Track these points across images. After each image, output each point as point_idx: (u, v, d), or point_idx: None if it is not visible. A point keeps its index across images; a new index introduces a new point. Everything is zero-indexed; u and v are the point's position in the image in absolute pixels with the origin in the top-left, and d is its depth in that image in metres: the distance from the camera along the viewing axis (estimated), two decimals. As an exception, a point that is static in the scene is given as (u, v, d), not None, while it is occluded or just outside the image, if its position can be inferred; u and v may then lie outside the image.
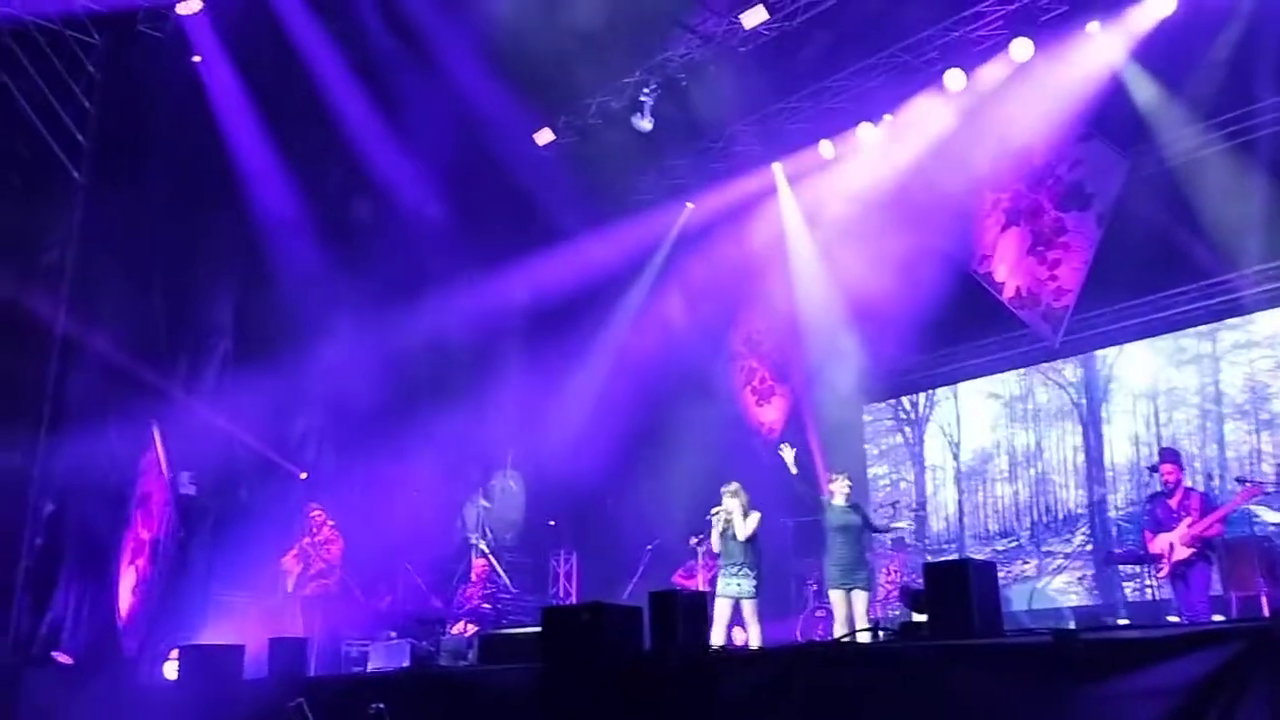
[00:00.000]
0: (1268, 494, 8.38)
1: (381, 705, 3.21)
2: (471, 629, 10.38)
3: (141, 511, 10.59)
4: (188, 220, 11.24)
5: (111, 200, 10.80)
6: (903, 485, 12.78)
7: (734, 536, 8.42)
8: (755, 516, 8.41)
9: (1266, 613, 7.46)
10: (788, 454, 8.61)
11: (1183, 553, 7.64)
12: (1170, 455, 8.16)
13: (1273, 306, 9.97)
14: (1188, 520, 7.66)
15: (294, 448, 12.12)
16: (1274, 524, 8.03)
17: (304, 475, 11.82)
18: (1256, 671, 3.31)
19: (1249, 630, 3.52)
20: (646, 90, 11.63)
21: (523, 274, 12.51)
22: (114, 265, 10.87)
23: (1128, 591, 10.06)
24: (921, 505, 12.57)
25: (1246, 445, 9.98)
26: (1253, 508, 8.40)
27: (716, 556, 8.65)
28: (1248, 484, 8.01)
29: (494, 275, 12.55)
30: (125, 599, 10.37)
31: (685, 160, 12.97)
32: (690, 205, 13.26)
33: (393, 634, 10.06)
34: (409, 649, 8.13)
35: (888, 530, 8.71)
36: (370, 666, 8.46)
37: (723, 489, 8.64)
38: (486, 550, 12.84)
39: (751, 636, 8.30)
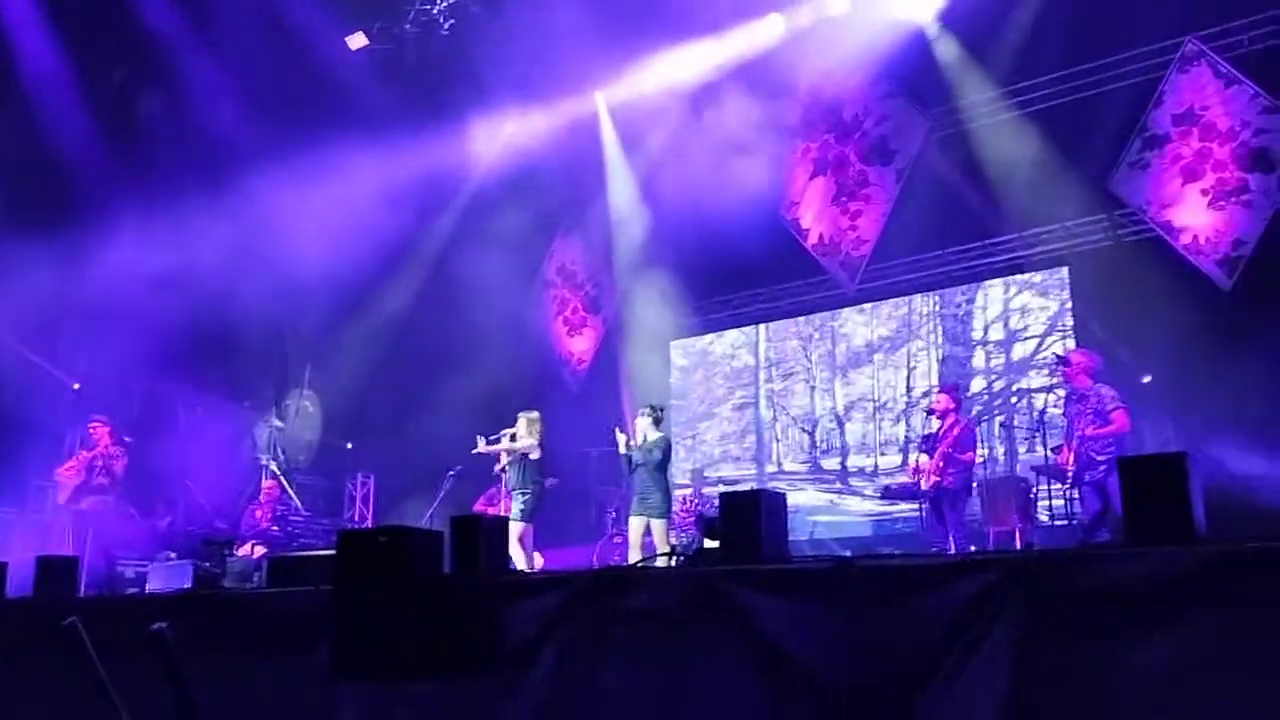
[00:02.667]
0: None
1: (164, 624, 3.05)
2: (260, 551, 10.05)
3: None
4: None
5: None
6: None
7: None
8: (517, 439, 8.82)
9: (1019, 546, 8.19)
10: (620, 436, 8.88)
11: (930, 479, 8.12)
12: (947, 386, 8.78)
13: (1047, 267, 10.80)
14: (940, 449, 8.17)
15: (66, 356, 11.24)
16: (1033, 465, 8.78)
17: (76, 386, 11.01)
18: (1010, 597, 3.64)
19: (1004, 560, 3.86)
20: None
21: (331, 181, 11.85)
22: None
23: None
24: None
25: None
26: (1018, 448, 9.15)
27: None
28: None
29: (300, 182, 11.88)
30: None
31: (505, 78, 12.60)
32: (510, 128, 12.95)
33: (172, 554, 9.62)
34: (191, 570, 7.77)
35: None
36: (149, 588, 8.05)
37: (521, 413, 8.93)
38: (277, 471, 12.41)
39: (517, 559, 8.46)
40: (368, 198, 11.58)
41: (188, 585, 7.49)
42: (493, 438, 9.01)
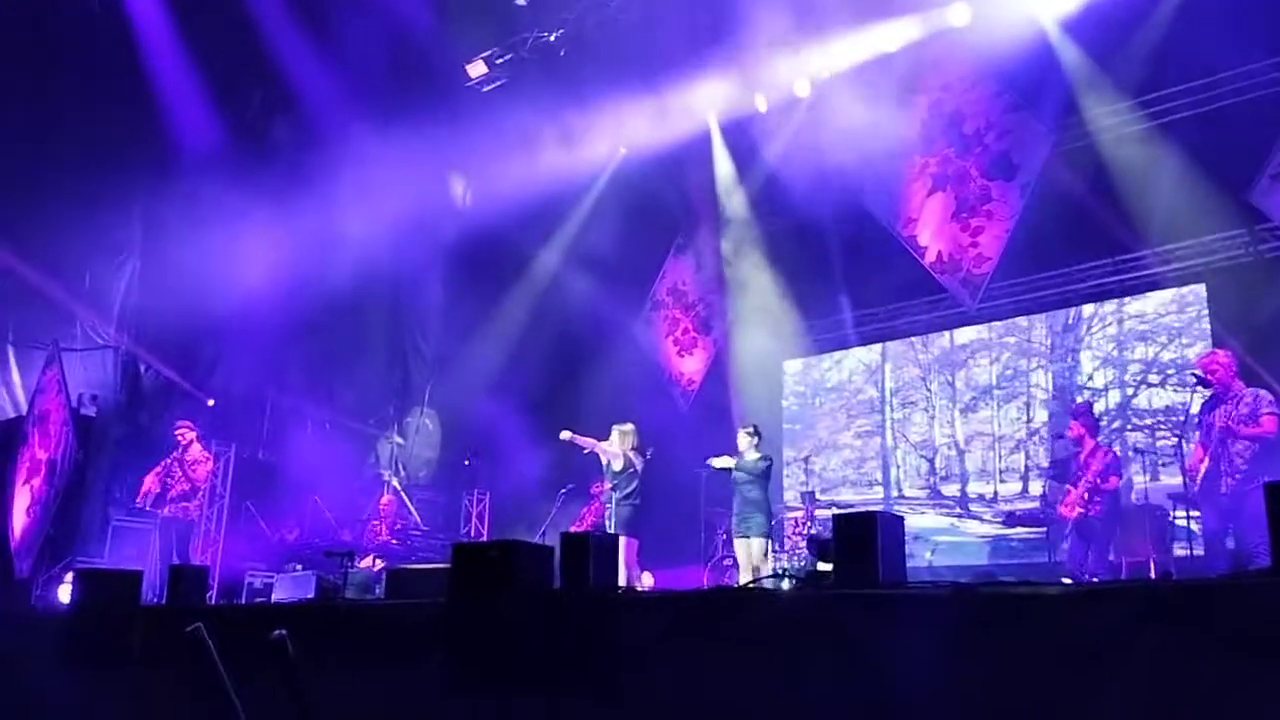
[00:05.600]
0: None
1: (284, 631, 3.13)
2: (380, 564, 10.31)
3: (38, 430, 10.21)
4: (97, 133, 10.72)
5: (16, 108, 10.27)
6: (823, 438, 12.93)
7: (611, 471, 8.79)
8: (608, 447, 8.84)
9: (1154, 576, 7.77)
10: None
11: (1075, 510, 7.91)
12: (1077, 411, 8.46)
13: (1183, 284, 10.26)
14: (1084, 478, 7.94)
15: (202, 373, 11.78)
16: (1169, 493, 8.33)
17: (211, 402, 11.51)
18: (1145, 628, 3.44)
19: (1136, 589, 3.65)
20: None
21: (450, 206, 12.16)
22: (20, 177, 10.36)
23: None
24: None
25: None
26: (1142, 477, 8.69)
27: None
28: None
29: (420, 205, 12.21)
30: (19, 519, 10.02)
31: (617, 102, 12.70)
32: (623, 150, 13.06)
33: (298, 566, 9.93)
34: (314, 581, 8.02)
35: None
36: (274, 598, 8.33)
37: (614, 426, 8.93)
38: (398, 486, 12.73)
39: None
40: (484, 216, 11.79)
41: (311, 595, 7.72)
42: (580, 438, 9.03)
